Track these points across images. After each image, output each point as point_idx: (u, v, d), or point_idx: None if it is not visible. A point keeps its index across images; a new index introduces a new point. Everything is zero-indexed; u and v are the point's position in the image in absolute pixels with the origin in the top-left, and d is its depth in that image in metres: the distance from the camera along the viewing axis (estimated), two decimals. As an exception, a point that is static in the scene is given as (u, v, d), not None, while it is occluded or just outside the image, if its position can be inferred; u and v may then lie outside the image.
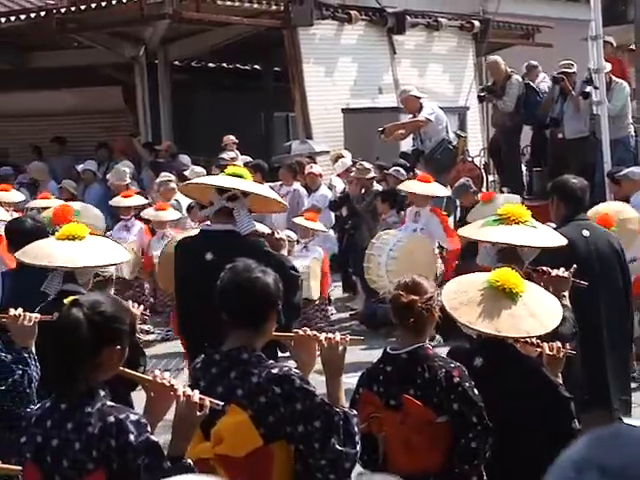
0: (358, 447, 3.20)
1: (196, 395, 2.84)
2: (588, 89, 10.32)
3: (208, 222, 5.19)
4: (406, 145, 11.97)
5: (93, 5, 13.59)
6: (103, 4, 13.54)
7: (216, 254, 4.77)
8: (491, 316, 3.64)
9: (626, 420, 1.79)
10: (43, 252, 4.43)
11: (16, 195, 9.75)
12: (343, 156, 12.49)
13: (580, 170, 9.30)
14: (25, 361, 3.98)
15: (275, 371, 3.21)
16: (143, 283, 10.21)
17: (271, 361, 3.30)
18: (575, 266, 4.49)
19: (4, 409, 4.00)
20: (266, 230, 5.61)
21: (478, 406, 3.54)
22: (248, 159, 12.45)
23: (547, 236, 4.56)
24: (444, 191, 9.24)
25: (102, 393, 2.83)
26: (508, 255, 4.40)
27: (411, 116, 11.00)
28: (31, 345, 3.99)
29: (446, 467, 3.58)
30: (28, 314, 3.96)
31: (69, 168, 13.68)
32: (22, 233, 5.22)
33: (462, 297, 3.71)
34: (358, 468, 3.48)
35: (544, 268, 4.55)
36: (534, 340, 3.75)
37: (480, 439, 3.53)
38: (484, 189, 12.01)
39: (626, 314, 5.33)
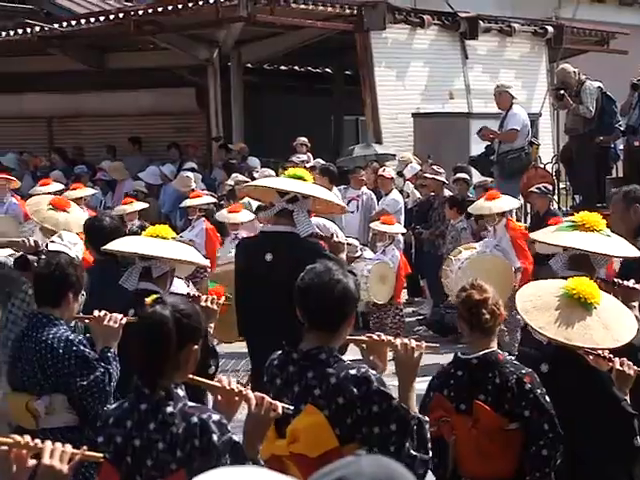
0: (430, 453, 3.21)
1: (268, 399, 2.88)
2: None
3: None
4: (476, 151, 11.95)
5: (170, 7, 13.79)
6: (179, 6, 13.74)
7: (275, 255, 4.86)
8: (563, 324, 3.62)
9: None
10: (129, 243, 4.73)
11: (87, 190, 10.10)
12: (412, 161, 12.46)
13: (655, 179, 9.18)
14: (108, 360, 4.09)
15: (353, 372, 3.21)
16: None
17: (348, 362, 3.29)
18: None
19: (83, 405, 4.12)
20: (331, 231, 5.66)
21: (550, 413, 3.51)
22: (321, 162, 12.42)
23: (621, 246, 4.45)
24: (512, 204, 9.20)
25: (181, 393, 2.86)
26: (580, 262, 4.29)
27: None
28: (114, 345, 4.10)
29: (519, 474, 3.57)
30: (113, 315, 4.07)
31: (143, 167, 13.94)
32: (101, 232, 5.35)
33: (536, 301, 3.69)
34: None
35: (614, 279, 4.48)
36: (606, 354, 3.70)
37: (551, 447, 3.51)
38: (555, 197, 11.92)
39: None
